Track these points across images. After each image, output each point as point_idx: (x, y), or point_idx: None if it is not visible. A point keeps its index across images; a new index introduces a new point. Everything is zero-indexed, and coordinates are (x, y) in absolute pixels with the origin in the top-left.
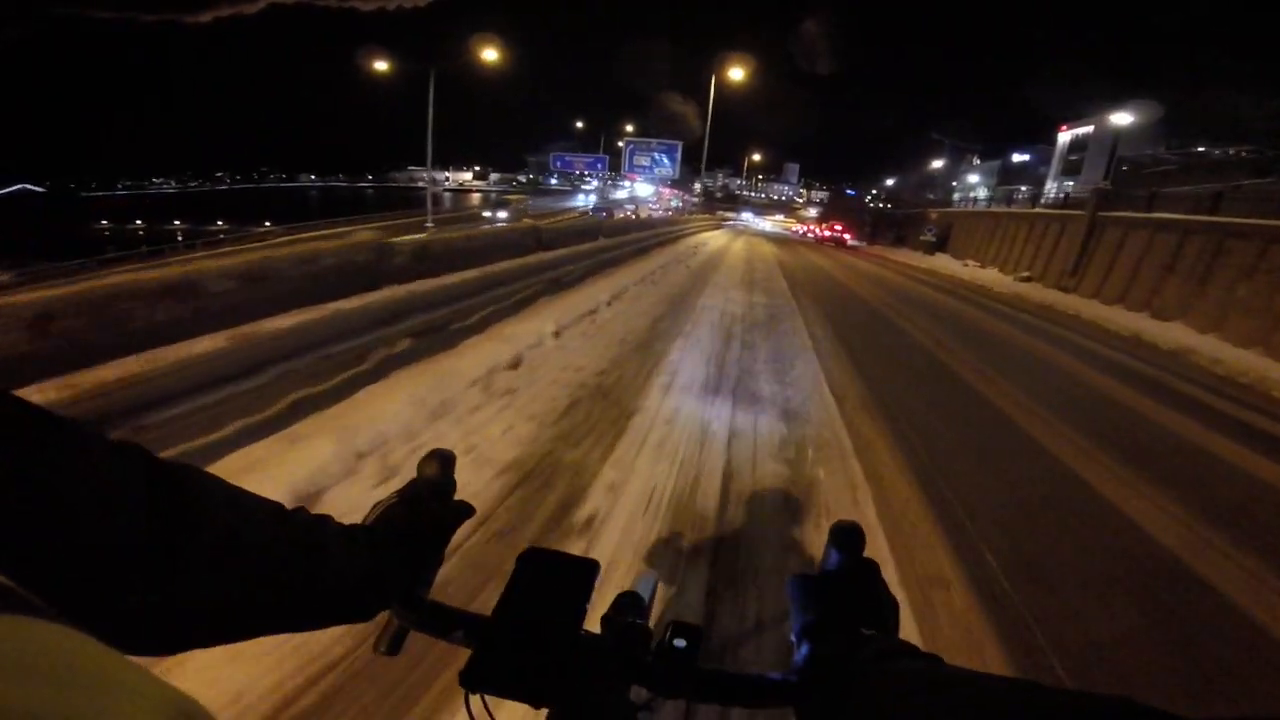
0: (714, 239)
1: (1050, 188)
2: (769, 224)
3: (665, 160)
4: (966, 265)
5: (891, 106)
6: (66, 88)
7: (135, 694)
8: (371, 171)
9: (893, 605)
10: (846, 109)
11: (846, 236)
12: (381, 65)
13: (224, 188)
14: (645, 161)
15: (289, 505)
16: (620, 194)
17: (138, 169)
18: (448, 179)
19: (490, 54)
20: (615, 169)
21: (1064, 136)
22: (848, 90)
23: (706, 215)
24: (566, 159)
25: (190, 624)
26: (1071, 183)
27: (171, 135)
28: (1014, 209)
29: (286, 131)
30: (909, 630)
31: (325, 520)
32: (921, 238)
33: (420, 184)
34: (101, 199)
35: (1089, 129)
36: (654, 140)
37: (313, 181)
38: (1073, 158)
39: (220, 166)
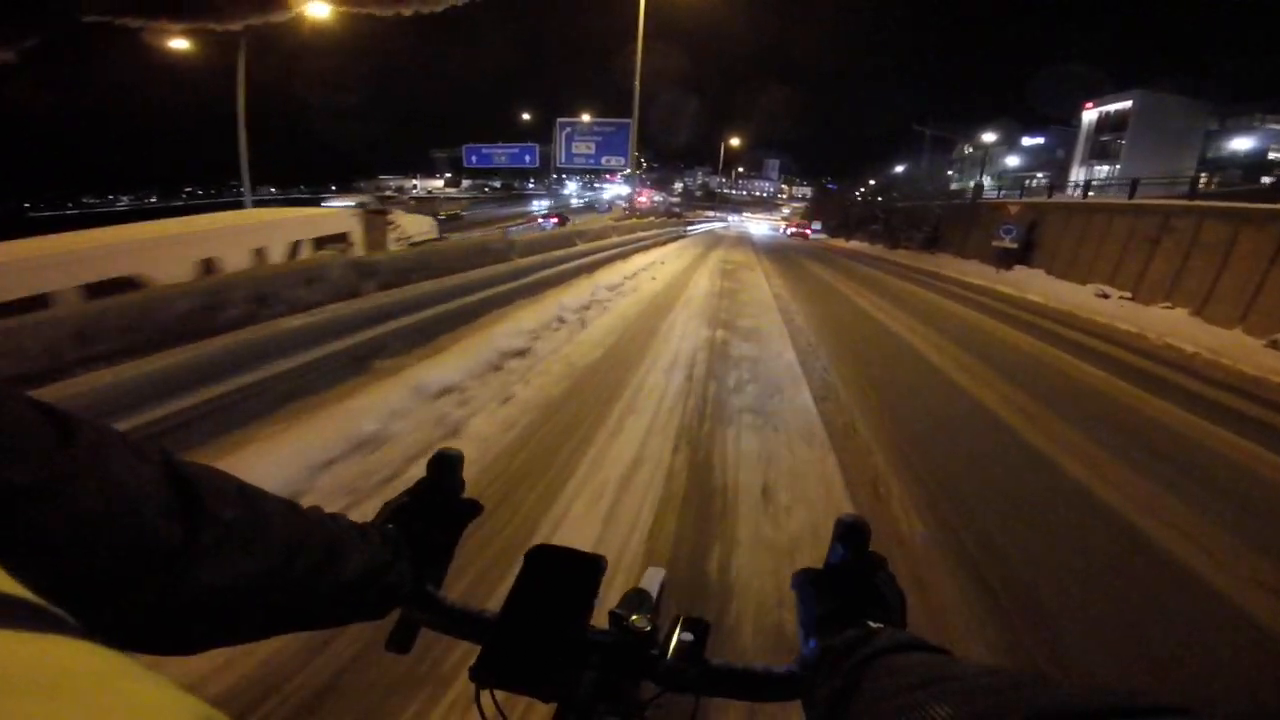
0: (648, 277)
1: (1077, 174)
2: (760, 224)
3: (613, 146)
4: (1108, 297)
5: (875, 99)
6: (41, 106)
7: (151, 706)
8: (337, 182)
9: (900, 598)
10: (827, 102)
11: (807, 232)
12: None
13: (179, 203)
14: (588, 148)
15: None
16: (537, 204)
17: (108, 186)
18: (415, 187)
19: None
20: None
21: (1090, 115)
22: (829, 83)
23: (662, 219)
24: (483, 152)
25: (206, 624)
26: (1106, 168)
27: (145, 152)
28: (1210, 202)
29: (262, 145)
30: None
31: (337, 519)
32: (995, 242)
33: (389, 193)
34: (47, 219)
35: (1125, 104)
36: (598, 121)
37: (273, 194)
38: (1104, 139)
39: (191, 181)
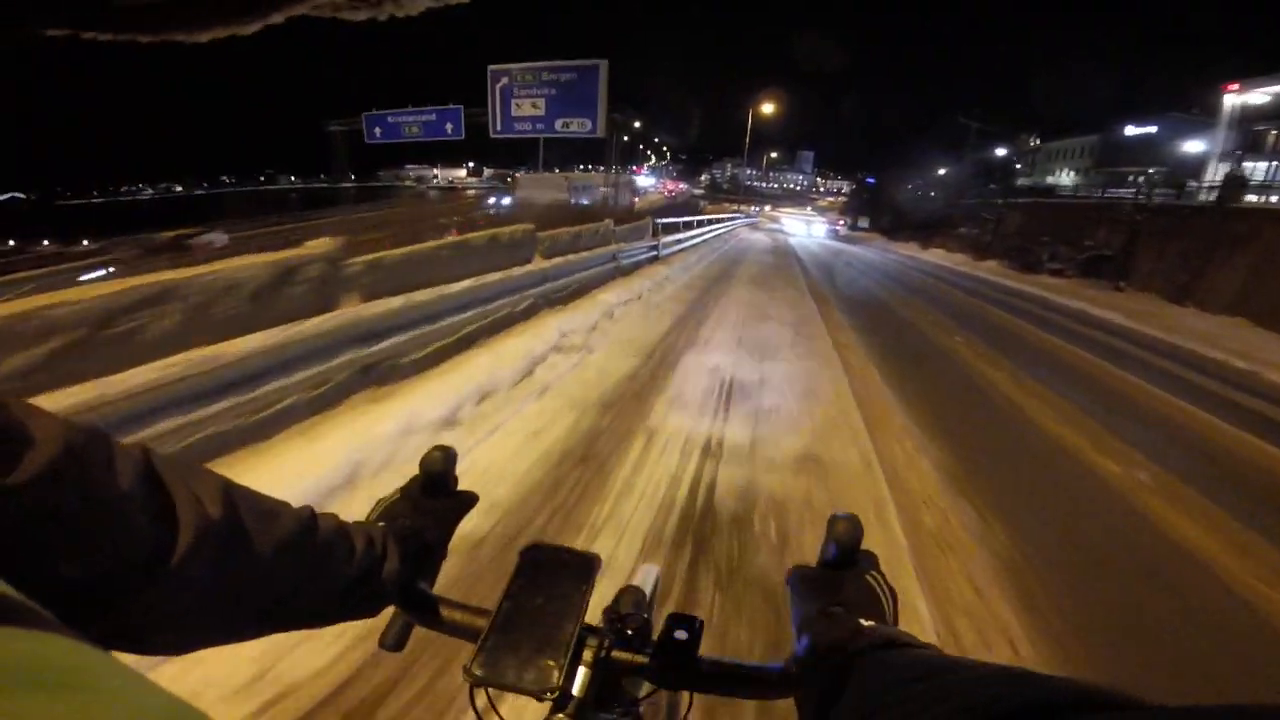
0: None
1: (1217, 171)
2: (812, 224)
3: (575, 102)
4: None
5: (912, 92)
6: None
7: (128, 701)
8: (356, 171)
9: (891, 596)
10: (859, 97)
11: (839, 227)
12: None
13: (200, 192)
14: (535, 108)
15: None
16: None
17: (152, 174)
18: (436, 176)
19: None
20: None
21: (1233, 99)
22: (867, 73)
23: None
24: (389, 122)
25: (193, 624)
26: (1264, 164)
27: (185, 141)
28: None
29: (294, 134)
30: None
31: (328, 518)
32: None
33: (408, 183)
34: (73, 207)
35: None
36: (548, 66)
37: (293, 183)
38: (1259, 128)
39: (227, 170)
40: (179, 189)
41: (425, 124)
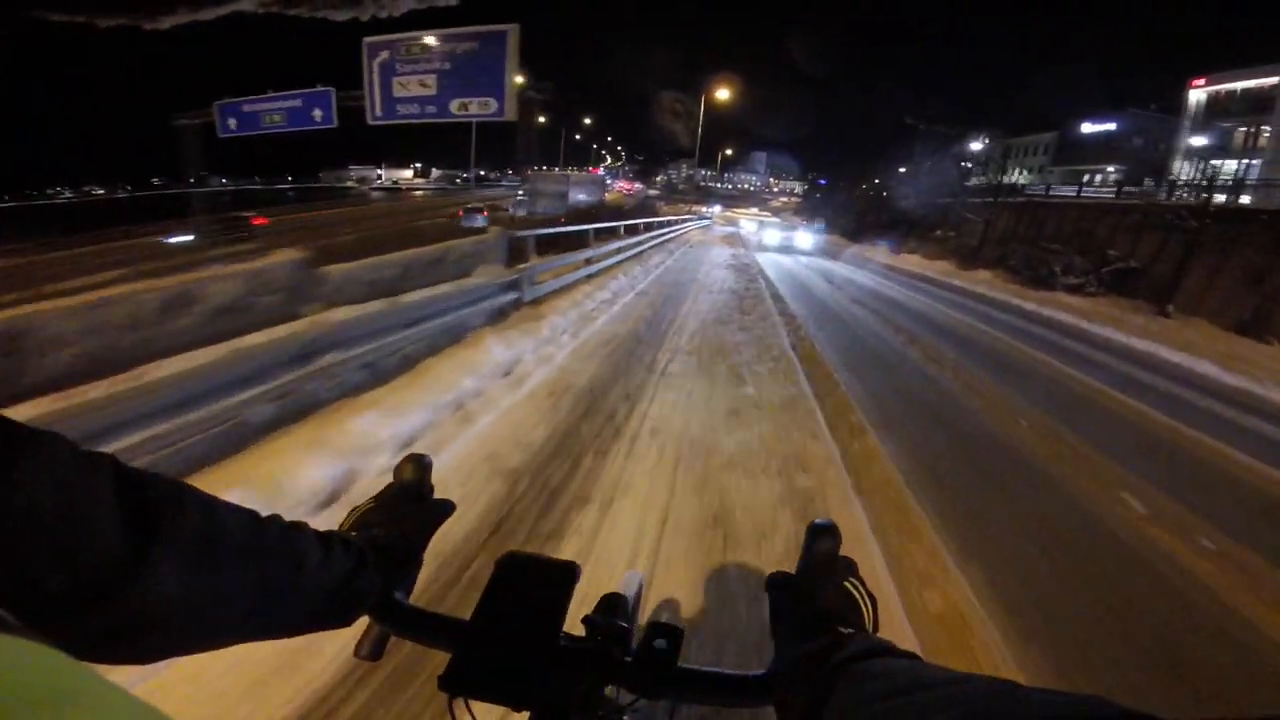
0: None
1: (1182, 169)
2: (791, 232)
3: (475, 79)
4: None
5: (860, 95)
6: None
7: (102, 710)
8: (295, 172)
9: (871, 603)
10: (810, 99)
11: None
12: None
13: (122, 195)
14: (425, 87)
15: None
16: None
17: (82, 176)
18: (380, 177)
19: None
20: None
21: (1199, 95)
22: (815, 80)
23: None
24: (245, 110)
25: (166, 634)
26: (1231, 163)
27: (115, 142)
28: None
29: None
30: None
31: (301, 527)
32: None
33: (349, 184)
34: None
35: (1266, 81)
36: (444, 33)
37: (224, 185)
38: (1225, 125)
39: (160, 172)
40: (100, 191)
41: (289, 111)
